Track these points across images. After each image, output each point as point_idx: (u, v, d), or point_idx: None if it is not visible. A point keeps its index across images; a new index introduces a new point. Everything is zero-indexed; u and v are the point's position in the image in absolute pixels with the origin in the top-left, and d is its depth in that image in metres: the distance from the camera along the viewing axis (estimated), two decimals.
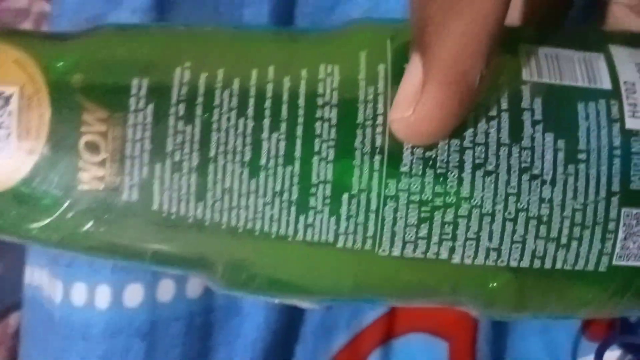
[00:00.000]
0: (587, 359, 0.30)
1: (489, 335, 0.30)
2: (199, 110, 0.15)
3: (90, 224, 0.15)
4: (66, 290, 0.24)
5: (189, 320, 0.26)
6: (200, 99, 0.15)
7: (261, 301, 0.27)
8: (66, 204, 0.15)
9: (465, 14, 0.14)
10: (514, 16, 0.19)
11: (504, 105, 0.16)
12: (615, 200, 0.16)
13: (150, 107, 0.15)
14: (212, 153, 0.15)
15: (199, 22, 0.26)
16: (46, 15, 0.34)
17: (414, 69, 0.14)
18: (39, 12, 0.38)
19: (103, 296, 0.24)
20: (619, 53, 0.17)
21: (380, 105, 0.15)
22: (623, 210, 0.16)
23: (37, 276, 0.26)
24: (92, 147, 0.15)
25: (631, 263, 0.16)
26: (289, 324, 0.28)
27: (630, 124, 0.16)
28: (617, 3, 0.20)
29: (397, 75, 0.15)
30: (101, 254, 0.16)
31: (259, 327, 0.27)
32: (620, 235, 0.16)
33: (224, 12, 0.27)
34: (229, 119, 0.15)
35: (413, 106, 0.14)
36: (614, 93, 0.16)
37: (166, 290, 0.25)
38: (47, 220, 0.15)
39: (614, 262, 0.16)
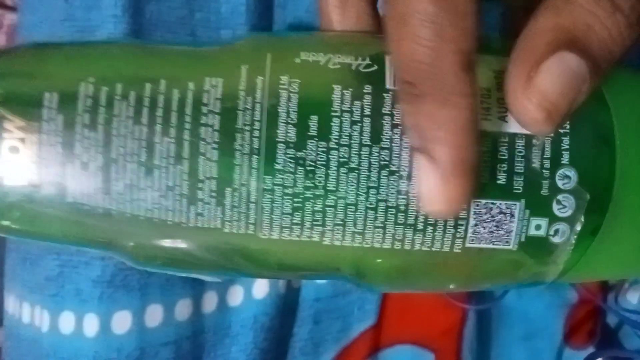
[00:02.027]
0: None
1: (474, 345, 0.31)
2: (101, 119, 0.18)
3: (18, 213, 0.18)
4: (53, 320, 0.25)
5: (178, 345, 0.26)
6: (102, 110, 0.18)
7: (250, 322, 0.28)
8: None
9: (449, 132, 0.16)
10: None
11: (367, 111, 0.18)
12: None
13: (60, 117, 0.18)
14: (113, 155, 0.18)
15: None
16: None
17: (427, 171, 0.16)
18: (9, 24, 0.38)
19: (91, 325, 0.24)
20: None
21: (257, 113, 0.18)
22: (472, 201, 0.18)
23: (12, 306, 0.26)
24: (14, 150, 0.18)
25: (483, 245, 0.19)
26: (277, 342, 0.29)
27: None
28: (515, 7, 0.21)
29: (273, 86, 0.18)
30: (30, 236, 0.19)
31: (247, 348, 0.28)
32: (472, 222, 0.18)
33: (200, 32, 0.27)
34: (126, 126, 0.18)
35: (436, 201, 0.16)
36: None
37: (154, 315, 0.26)
38: None
39: (467, 245, 0.19)
